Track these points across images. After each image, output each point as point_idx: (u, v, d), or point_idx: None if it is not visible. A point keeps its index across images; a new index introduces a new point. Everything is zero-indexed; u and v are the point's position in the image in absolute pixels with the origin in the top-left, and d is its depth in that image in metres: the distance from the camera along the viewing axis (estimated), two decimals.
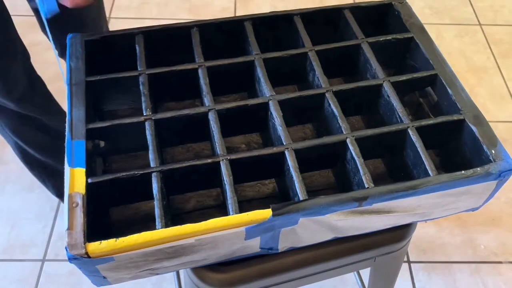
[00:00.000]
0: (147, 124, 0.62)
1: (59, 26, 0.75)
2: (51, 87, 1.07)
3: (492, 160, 0.60)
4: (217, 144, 0.61)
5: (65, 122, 0.62)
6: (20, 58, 0.91)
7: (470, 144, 0.63)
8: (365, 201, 0.56)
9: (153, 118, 0.63)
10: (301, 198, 0.56)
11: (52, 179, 1.21)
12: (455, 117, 0.64)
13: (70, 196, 0.55)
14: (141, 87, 0.66)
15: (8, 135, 1.06)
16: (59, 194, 1.26)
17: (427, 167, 0.59)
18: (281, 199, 0.67)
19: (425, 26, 0.74)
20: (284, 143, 0.61)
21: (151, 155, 0.60)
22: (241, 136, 0.72)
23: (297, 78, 0.75)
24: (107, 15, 1.83)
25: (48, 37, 0.99)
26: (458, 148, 0.66)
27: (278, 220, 0.55)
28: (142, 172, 0.58)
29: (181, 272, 0.77)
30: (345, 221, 0.59)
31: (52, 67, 1.42)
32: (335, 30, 0.77)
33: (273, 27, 0.75)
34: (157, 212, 0.55)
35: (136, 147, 0.68)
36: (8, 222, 1.31)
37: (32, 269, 1.23)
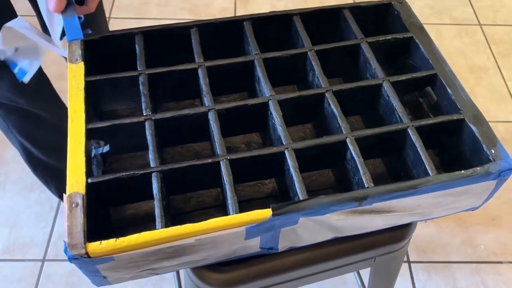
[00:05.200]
0: (147, 124, 0.62)
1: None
2: None
3: (491, 159, 0.60)
4: (217, 144, 0.61)
5: None
6: None
7: (470, 143, 0.63)
8: (365, 201, 0.56)
9: (153, 118, 0.63)
10: (301, 198, 0.56)
11: (55, 180, 1.22)
12: (455, 116, 0.64)
13: (70, 196, 0.55)
14: (141, 87, 0.66)
15: (14, 137, 1.06)
16: (62, 195, 1.26)
17: (427, 167, 0.59)
18: (281, 199, 0.67)
19: (424, 26, 0.74)
20: (284, 143, 0.61)
21: (151, 155, 0.60)
22: (241, 136, 0.72)
23: (297, 78, 0.75)
24: (107, 15, 1.83)
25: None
26: (457, 147, 0.66)
27: (278, 220, 0.55)
28: (142, 172, 0.58)
29: (181, 272, 0.77)
30: (345, 221, 0.59)
31: (52, 67, 1.42)
32: (334, 30, 0.77)
33: (273, 27, 0.75)
34: (157, 212, 0.55)
35: (136, 147, 0.68)
36: (8, 222, 1.32)
37: (32, 269, 1.23)
